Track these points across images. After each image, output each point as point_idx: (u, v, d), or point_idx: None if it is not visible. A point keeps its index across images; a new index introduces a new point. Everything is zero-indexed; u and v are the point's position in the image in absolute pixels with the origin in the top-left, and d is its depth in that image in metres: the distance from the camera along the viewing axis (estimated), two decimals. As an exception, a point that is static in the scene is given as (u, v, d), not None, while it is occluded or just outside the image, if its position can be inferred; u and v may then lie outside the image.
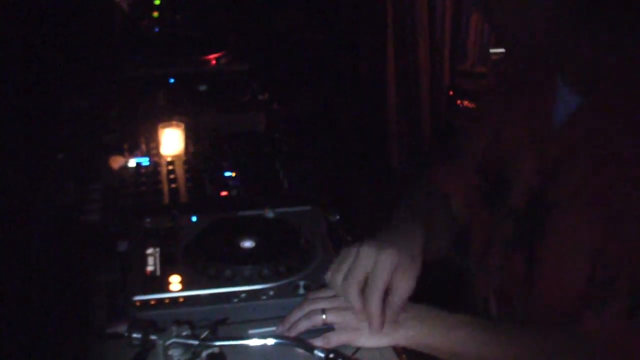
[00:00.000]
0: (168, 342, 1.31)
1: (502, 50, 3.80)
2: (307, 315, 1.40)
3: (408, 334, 1.35)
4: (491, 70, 1.74)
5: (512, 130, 1.55)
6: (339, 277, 1.38)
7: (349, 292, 1.35)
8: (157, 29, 3.68)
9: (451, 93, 4.22)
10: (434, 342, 1.35)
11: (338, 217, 1.93)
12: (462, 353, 1.34)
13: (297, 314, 1.42)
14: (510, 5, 1.34)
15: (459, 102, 4.13)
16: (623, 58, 1.33)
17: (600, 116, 1.34)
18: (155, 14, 3.83)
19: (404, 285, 1.33)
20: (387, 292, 1.34)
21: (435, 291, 1.44)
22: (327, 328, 1.39)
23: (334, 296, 1.42)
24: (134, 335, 1.34)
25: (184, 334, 1.33)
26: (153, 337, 1.33)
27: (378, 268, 1.32)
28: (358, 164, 4.83)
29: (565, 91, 1.42)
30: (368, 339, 1.36)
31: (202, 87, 2.80)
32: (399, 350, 1.39)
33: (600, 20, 1.32)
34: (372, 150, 4.97)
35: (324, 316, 1.39)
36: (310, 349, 1.33)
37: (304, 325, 1.39)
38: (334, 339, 1.36)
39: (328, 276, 1.43)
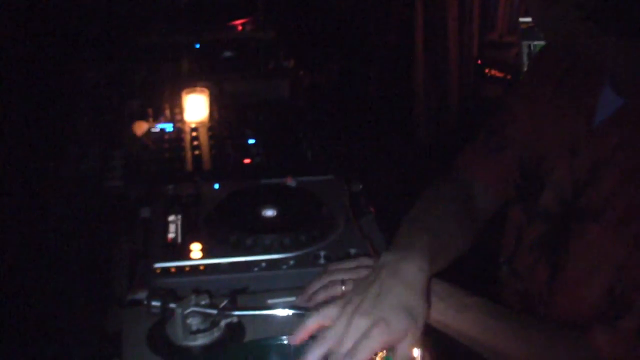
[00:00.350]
0: (187, 311, 1.31)
1: (531, 20, 3.77)
2: (326, 286, 1.39)
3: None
4: (533, 62, 1.61)
5: (553, 127, 1.47)
6: (323, 347, 1.23)
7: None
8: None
9: (479, 62, 4.17)
10: (445, 320, 1.33)
11: (361, 187, 1.91)
12: (468, 335, 1.33)
13: (316, 285, 1.41)
14: (558, 14, 1.25)
15: (487, 71, 4.08)
16: None
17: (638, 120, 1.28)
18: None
19: (403, 349, 1.24)
20: None
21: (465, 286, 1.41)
22: None
23: (354, 267, 1.42)
24: (153, 303, 1.34)
25: (203, 303, 1.33)
26: (172, 305, 1.33)
27: (361, 346, 1.20)
28: (384, 134, 4.80)
29: (609, 92, 1.35)
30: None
31: (227, 54, 2.78)
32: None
33: None
34: (399, 120, 4.94)
35: (343, 287, 1.38)
36: (329, 320, 1.32)
37: (322, 296, 1.38)
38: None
39: (313, 347, 1.25)
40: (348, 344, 1.20)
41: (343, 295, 1.35)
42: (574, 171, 1.37)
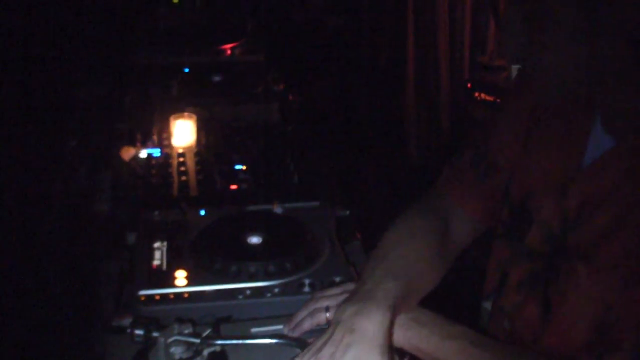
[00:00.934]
0: (170, 340, 1.31)
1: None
2: (312, 314, 1.40)
3: (407, 335, 1.33)
4: (515, 86, 1.54)
5: (541, 163, 1.44)
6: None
7: None
8: (175, 16, 3.67)
9: (469, 85, 4.18)
10: (428, 348, 1.32)
11: (348, 212, 1.92)
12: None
13: (302, 313, 1.41)
14: (555, 45, 1.22)
15: (477, 94, 4.09)
16: None
17: (633, 163, 1.24)
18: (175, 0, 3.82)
19: None
20: None
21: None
22: None
23: (339, 294, 1.42)
24: (136, 331, 1.35)
25: (186, 331, 1.33)
26: (155, 334, 1.33)
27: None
28: (375, 155, 4.80)
29: (600, 132, 1.32)
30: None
31: (216, 78, 2.79)
32: (400, 352, 1.38)
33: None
34: (390, 141, 4.94)
35: (327, 314, 1.38)
36: (312, 350, 1.32)
37: (307, 325, 1.39)
38: None
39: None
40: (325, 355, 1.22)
41: (327, 322, 1.36)
42: (562, 210, 1.34)
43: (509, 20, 1.28)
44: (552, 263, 1.34)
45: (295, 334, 1.39)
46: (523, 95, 1.55)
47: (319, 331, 1.36)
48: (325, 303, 1.41)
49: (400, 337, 1.34)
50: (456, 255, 1.61)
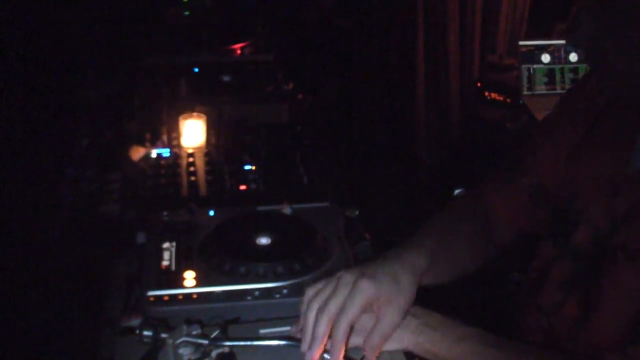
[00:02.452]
0: (178, 341, 1.31)
1: (531, 42, 3.78)
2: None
3: (419, 340, 1.34)
4: (563, 98, 1.60)
5: (588, 167, 1.47)
6: (314, 307, 1.31)
7: (319, 325, 1.28)
8: (186, 14, 3.67)
9: (479, 85, 4.17)
10: (441, 352, 1.33)
11: (357, 213, 1.91)
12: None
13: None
14: (625, 47, 1.26)
15: (486, 93, 4.08)
16: None
17: None
18: (186, -1, 3.83)
19: (386, 321, 1.29)
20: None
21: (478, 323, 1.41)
22: None
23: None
24: (145, 333, 1.35)
25: (194, 333, 1.33)
26: (163, 335, 1.33)
27: (350, 297, 1.27)
28: (385, 157, 4.80)
29: None
30: None
31: (226, 78, 2.79)
32: (409, 355, 1.37)
33: None
34: (400, 143, 4.94)
35: None
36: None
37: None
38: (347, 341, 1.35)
39: (304, 303, 1.34)
40: (338, 299, 1.27)
41: None
42: (611, 211, 1.36)
43: (580, 21, 1.30)
44: (596, 263, 1.36)
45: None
46: (568, 109, 1.59)
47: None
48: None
49: (412, 342, 1.34)
50: (497, 249, 1.67)
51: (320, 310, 1.28)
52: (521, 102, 3.75)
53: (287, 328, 1.42)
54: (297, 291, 1.55)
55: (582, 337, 1.38)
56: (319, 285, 1.34)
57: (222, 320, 1.42)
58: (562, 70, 3.77)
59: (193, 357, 1.31)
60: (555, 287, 1.48)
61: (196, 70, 2.87)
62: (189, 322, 1.35)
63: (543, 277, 1.52)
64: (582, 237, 1.42)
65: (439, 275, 1.43)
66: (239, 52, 3.13)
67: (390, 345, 1.35)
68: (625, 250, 1.30)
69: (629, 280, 1.29)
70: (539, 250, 1.58)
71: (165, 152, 2.23)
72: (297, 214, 1.83)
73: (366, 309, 1.29)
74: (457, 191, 4.08)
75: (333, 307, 1.27)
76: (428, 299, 1.41)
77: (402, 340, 1.34)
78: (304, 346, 1.28)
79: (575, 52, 3.74)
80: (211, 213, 1.84)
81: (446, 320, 1.37)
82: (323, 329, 1.27)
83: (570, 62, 3.76)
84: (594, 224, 1.40)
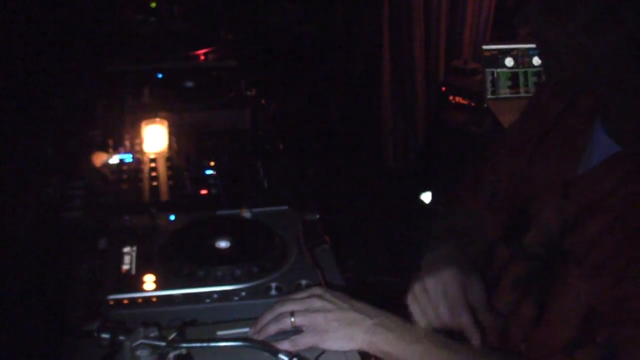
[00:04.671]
0: (135, 344, 1.33)
1: (495, 46, 3.82)
2: (277, 318, 1.42)
3: (372, 339, 1.37)
4: (531, 98, 1.66)
5: (542, 168, 1.51)
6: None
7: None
8: (153, 19, 3.68)
9: (444, 89, 4.21)
10: (394, 352, 1.37)
11: (317, 216, 1.94)
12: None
13: (267, 317, 1.44)
14: (571, 40, 1.29)
15: (451, 97, 4.12)
16: None
17: (634, 169, 1.29)
18: (153, 4, 3.84)
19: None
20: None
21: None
22: (298, 330, 1.41)
23: (306, 297, 1.44)
24: (103, 335, 1.36)
25: (152, 335, 1.34)
26: (121, 337, 1.35)
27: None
28: (352, 162, 4.82)
29: (603, 137, 1.38)
30: (334, 342, 1.39)
31: (188, 84, 2.80)
32: (364, 355, 1.40)
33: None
34: (366, 147, 4.96)
35: (292, 319, 1.41)
36: (275, 352, 1.35)
37: (272, 329, 1.41)
38: (301, 342, 1.39)
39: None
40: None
41: (293, 326, 1.39)
42: (562, 213, 1.39)
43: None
44: (547, 265, 1.40)
45: (260, 337, 1.41)
46: (531, 113, 1.65)
47: (285, 333, 1.40)
48: (290, 307, 1.43)
49: (367, 342, 1.38)
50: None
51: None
52: (485, 105, 3.78)
53: (245, 330, 1.45)
54: (255, 294, 1.58)
55: (535, 338, 1.41)
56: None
57: (179, 322, 1.44)
58: (525, 73, 3.81)
59: (150, 359, 1.33)
60: (509, 286, 1.50)
61: (160, 76, 2.88)
62: (147, 324, 1.37)
63: (498, 278, 1.55)
64: (534, 238, 1.46)
65: None
66: (202, 58, 3.15)
67: (345, 345, 1.38)
68: (574, 254, 1.33)
69: (577, 284, 1.31)
70: (495, 252, 1.61)
71: (128, 158, 2.24)
72: (256, 217, 1.85)
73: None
74: (423, 194, 4.13)
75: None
76: (383, 301, 1.45)
77: (356, 339, 1.37)
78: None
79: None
80: (172, 217, 1.86)
81: (401, 321, 1.41)
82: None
83: (533, 66, 3.80)
84: (545, 226, 1.43)
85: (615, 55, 1.25)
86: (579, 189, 1.38)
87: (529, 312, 1.43)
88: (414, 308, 1.46)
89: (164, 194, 2.07)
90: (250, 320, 1.47)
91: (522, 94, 3.78)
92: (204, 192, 2.08)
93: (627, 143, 1.32)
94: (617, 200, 1.29)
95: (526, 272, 1.46)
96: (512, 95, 3.79)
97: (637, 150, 1.30)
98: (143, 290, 1.58)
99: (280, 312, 1.43)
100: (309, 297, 1.45)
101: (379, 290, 1.50)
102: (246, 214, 1.86)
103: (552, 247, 1.40)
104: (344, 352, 1.40)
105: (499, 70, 3.81)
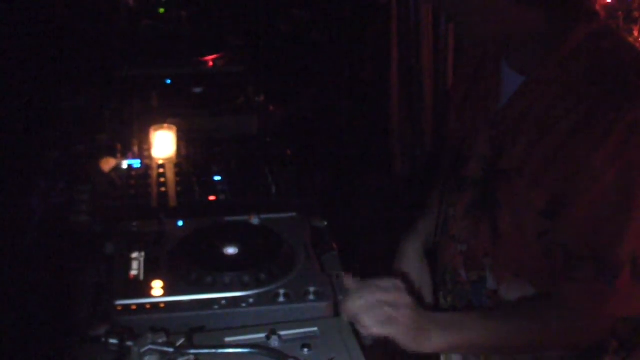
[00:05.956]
0: (143, 349, 1.33)
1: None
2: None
3: (440, 341, 1.46)
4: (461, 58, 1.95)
5: (471, 111, 1.73)
6: None
7: None
8: (161, 26, 3.69)
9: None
10: (454, 341, 1.47)
11: (325, 223, 1.94)
12: (477, 344, 1.51)
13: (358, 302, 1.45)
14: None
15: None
16: (557, 43, 1.50)
17: (540, 92, 1.52)
18: (162, 10, 3.85)
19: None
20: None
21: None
22: None
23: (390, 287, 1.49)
24: (111, 341, 1.37)
25: (160, 341, 1.35)
26: (129, 343, 1.35)
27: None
28: (359, 168, 4.81)
29: (511, 74, 1.60)
30: (409, 342, 1.43)
31: (197, 89, 2.80)
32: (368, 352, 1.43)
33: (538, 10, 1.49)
34: (374, 154, 4.96)
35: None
36: (284, 359, 1.35)
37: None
38: (376, 330, 1.41)
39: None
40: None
41: None
42: (492, 140, 1.61)
43: None
44: (490, 185, 1.60)
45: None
46: (458, 81, 1.90)
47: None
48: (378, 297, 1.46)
49: (436, 345, 1.46)
50: None
51: None
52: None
53: (253, 336, 1.44)
54: (263, 300, 1.57)
55: (497, 250, 1.58)
56: None
57: (187, 328, 1.44)
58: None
59: (158, 365, 1.33)
60: (462, 214, 1.69)
61: (168, 81, 2.89)
62: (155, 330, 1.37)
63: (447, 214, 1.76)
64: (474, 167, 1.66)
65: None
66: (211, 63, 3.16)
67: (422, 347, 1.45)
68: (511, 168, 1.53)
69: (521, 191, 1.51)
70: (445, 193, 1.80)
71: (136, 163, 2.25)
72: (264, 224, 1.85)
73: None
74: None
75: None
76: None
77: (431, 342, 1.46)
78: None
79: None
80: (180, 223, 1.86)
81: (437, 316, 1.56)
82: None
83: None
84: (481, 155, 1.64)
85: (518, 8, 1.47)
86: (501, 118, 1.59)
87: (486, 230, 1.59)
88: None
89: (172, 200, 2.07)
90: (258, 326, 1.47)
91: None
92: (212, 198, 2.09)
93: (529, 72, 1.55)
94: (533, 118, 1.51)
95: (473, 197, 1.65)
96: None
97: (537, 77, 1.53)
98: (151, 296, 1.57)
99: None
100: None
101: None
102: (254, 220, 1.85)
103: (489, 169, 1.60)
104: (348, 352, 1.42)
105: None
